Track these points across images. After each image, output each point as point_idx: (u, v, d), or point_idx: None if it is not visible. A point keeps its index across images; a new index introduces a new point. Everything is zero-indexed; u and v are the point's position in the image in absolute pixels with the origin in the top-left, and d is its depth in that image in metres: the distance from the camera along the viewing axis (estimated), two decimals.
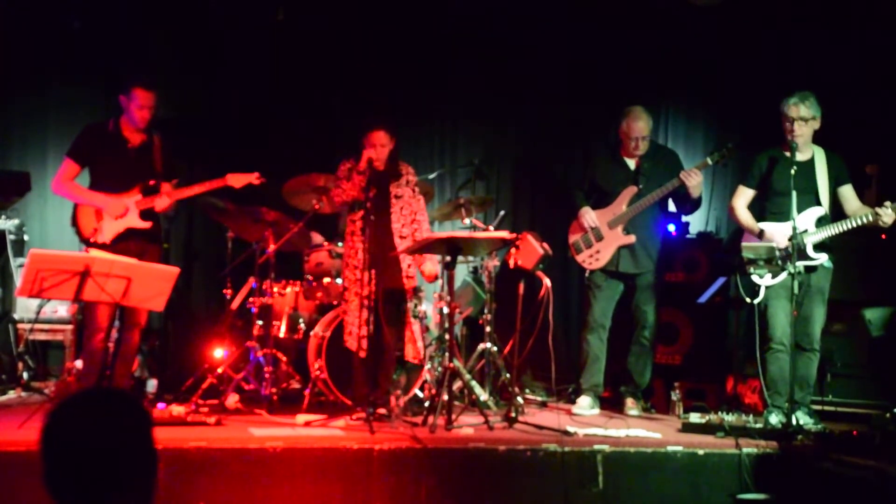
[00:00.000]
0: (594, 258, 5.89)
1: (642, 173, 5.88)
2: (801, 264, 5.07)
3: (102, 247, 5.18)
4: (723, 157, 5.72)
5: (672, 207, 6.15)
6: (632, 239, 5.83)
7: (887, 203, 5.04)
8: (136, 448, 1.88)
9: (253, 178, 5.60)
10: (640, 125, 5.82)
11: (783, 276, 5.18)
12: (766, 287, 5.26)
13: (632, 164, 5.93)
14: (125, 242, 5.28)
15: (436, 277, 5.69)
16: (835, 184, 5.32)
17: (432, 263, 5.61)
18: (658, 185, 5.76)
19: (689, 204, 5.92)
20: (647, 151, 5.92)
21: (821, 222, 5.24)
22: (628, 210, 5.83)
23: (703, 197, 6.00)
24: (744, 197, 5.48)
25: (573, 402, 5.88)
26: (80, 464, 1.82)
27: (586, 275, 5.99)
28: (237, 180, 5.57)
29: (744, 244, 5.22)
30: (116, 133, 5.37)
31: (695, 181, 5.67)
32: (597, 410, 5.77)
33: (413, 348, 5.45)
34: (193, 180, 5.71)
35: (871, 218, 5.07)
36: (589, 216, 5.90)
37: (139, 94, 5.31)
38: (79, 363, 5.50)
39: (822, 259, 5.23)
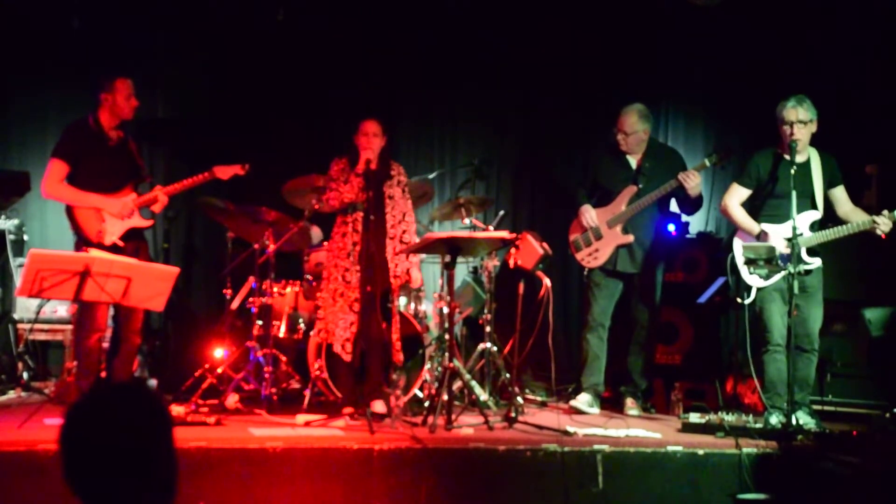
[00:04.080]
0: (593, 256, 5.89)
1: (643, 172, 5.87)
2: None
3: (112, 249, 5.17)
4: (721, 159, 5.72)
5: (674, 207, 6.15)
6: (630, 238, 5.82)
7: (885, 212, 5.02)
8: (157, 447, 1.85)
9: (238, 169, 5.65)
10: (630, 120, 5.82)
11: (776, 278, 5.17)
12: (759, 289, 5.23)
13: (633, 163, 5.92)
14: (124, 242, 5.30)
15: (421, 283, 5.72)
16: (828, 185, 5.30)
17: (417, 271, 5.60)
18: (658, 185, 5.75)
19: (690, 204, 5.91)
20: (648, 151, 5.92)
21: (814, 227, 5.23)
22: (627, 209, 5.83)
23: (704, 197, 5.98)
24: (738, 195, 5.42)
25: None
26: (102, 461, 1.80)
27: (585, 273, 5.99)
28: (224, 172, 5.61)
29: (744, 244, 5.21)
30: (98, 130, 5.35)
31: (693, 182, 5.66)
32: (597, 409, 5.76)
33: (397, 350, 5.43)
34: None
35: (868, 226, 5.06)
36: (588, 214, 5.89)
37: (123, 85, 5.31)
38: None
39: (816, 264, 5.20)
